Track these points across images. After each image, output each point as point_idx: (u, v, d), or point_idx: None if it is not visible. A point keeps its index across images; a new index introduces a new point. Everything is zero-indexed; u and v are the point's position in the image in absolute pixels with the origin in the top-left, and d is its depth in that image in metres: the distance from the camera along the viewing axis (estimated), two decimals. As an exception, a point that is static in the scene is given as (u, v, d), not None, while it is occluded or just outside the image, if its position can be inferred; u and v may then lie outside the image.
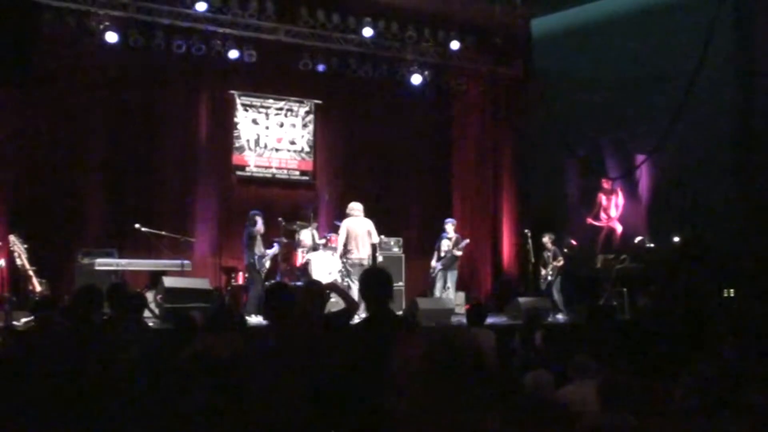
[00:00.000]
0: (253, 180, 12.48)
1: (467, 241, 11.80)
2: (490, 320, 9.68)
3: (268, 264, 10.61)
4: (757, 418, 3.17)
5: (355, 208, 10.33)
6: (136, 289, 9.28)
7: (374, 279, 4.35)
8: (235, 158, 12.33)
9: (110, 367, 4.17)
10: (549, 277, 11.53)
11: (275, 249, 10.78)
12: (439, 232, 11.54)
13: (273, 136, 12.62)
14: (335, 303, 6.59)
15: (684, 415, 3.20)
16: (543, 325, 8.02)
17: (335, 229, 11.27)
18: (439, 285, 11.30)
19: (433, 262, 11.46)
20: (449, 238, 11.36)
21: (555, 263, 11.48)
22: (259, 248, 10.48)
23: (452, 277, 11.34)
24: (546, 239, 11.65)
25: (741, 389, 3.52)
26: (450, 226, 11.48)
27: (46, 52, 10.75)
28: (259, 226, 10.56)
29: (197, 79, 12.05)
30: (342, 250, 10.16)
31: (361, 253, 10.13)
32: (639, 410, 3.51)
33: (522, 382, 4.39)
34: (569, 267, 11.62)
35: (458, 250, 11.31)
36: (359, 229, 10.19)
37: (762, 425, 3.15)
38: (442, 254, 11.34)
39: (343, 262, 10.19)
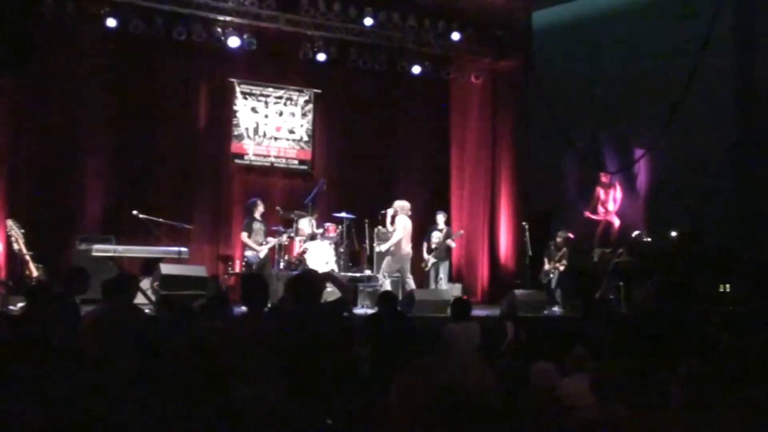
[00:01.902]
0: (251, 168, 12.47)
1: (462, 231, 11.81)
2: (486, 313, 9.78)
3: (262, 255, 10.51)
4: (752, 412, 3.18)
5: (407, 207, 10.80)
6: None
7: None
8: (234, 146, 12.31)
9: (104, 352, 4.17)
10: (551, 274, 11.51)
11: (277, 240, 10.66)
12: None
13: (272, 125, 12.60)
14: (331, 293, 6.59)
15: (679, 409, 3.21)
16: (516, 316, 8.13)
17: (333, 219, 11.28)
18: (432, 276, 11.34)
19: (425, 255, 11.47)
20: (440, 230, 11.39)
21: (559, 264, 11.44)
22: (257, 236, 10.45)
23: (444, 268, 11.36)
24: (560, 238, 11.58)
25: (736, 383, 3.53)
26: (441, 218, 11.51)
27: (46, 38, 10.75)
28: (258, 213, 10.53)
29: (197, 66, 12.01)
30: (399, 246, 10.53)
31: (409, 249, 10.75)
32: (634, 403, 3.52)
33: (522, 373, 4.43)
34: (566, 261, 11.63)
35: (452, 241, 11.34)
36: (409, 227, 10.70)
37: (757, 419, 3.16)
38: (433, 246, 11.36)
39: (398, 257, 10.56)
